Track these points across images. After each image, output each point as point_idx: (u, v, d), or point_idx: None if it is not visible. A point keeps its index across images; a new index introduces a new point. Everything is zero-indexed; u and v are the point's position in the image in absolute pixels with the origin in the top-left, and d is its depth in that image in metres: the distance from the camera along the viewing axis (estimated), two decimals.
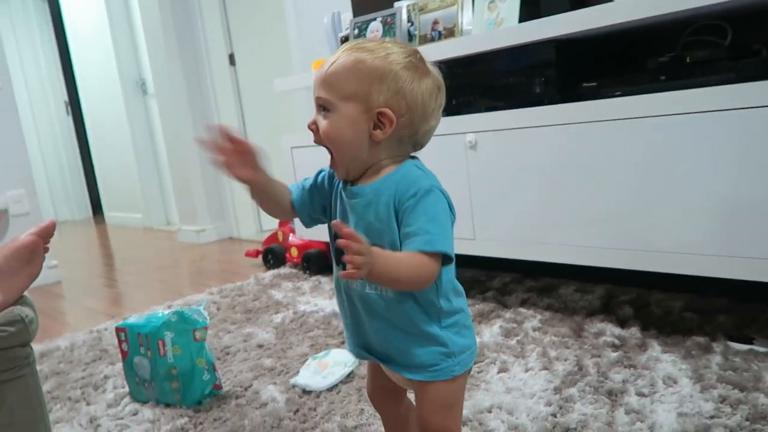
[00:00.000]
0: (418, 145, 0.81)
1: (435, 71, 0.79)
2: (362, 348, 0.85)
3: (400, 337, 0.79)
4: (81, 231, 5.15)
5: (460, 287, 0.82)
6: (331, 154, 0.78)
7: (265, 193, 0.83)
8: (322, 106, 0.77)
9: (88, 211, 5.88)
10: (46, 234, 1.00)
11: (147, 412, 1.34)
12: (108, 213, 5.33)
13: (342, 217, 0.82)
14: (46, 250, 1.02)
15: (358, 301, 0.81)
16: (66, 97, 5.66)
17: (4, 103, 2.87)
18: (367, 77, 0.74)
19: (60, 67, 5.60)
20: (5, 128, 2.87)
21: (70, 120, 5.71)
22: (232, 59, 3.54)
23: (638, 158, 1.34)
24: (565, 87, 1.55)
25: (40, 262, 1.00)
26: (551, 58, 1.56)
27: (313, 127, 0.78)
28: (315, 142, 0.79)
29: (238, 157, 0.77)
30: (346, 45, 0.78)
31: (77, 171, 5.81)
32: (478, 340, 1.47)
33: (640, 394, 1.12)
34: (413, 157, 0.81)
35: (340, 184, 0.82)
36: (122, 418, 1.33)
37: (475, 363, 1.32)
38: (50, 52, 5.59)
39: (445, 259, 0.74)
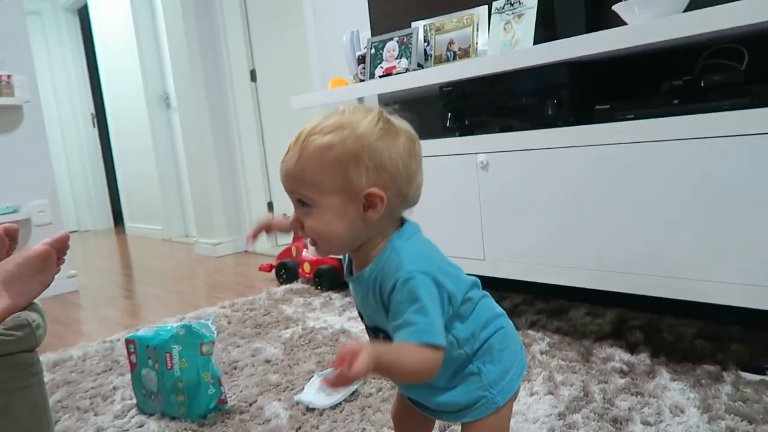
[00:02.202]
0: (410, 205, 0.77)
1: (404, 125, 0.75)
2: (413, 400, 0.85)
3: (437, 392, 0.78)
4: (102, 241, 5.24)
5: (486, 315, 0.78)
6: (312, 240, 0.75)
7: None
8: (301, 201, 0.73)
9: (110, 221, 5.99)
10: (60, 245, 1.02)
11: (152, 424, 1.35)
12: (129, 224, 5.42)
13: (354, 296, 0.82)
14: (62, 261, 1.05)
15: None
16: (93, 110, 5.80)
17: (31, 115, 2.95)
18: (342, 163, 0.69)
19: (88, 80, 5.76)
20: (32, 140, 2.94)
21: (95, 132, 5.85)
22: (253, 75, 3.59)
23: (651, 182, 1.32)
24: (579, 109, 1.54)
25: (52, 272, 1.02)
26: (565, 79, 1.56)
27: (297, 224, 0.74)
28: (302, 236, 0.76)
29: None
30: (306, 129, 0.73)
31: (101, 182, 5.94)
32: None
33: (646, 423, 1.10)
34: (400, 225, 0.78)
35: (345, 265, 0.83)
36: (128, 430, 1.34)
37: None
38: (79, 66, 5.75)
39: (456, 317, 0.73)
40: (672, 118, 1.29)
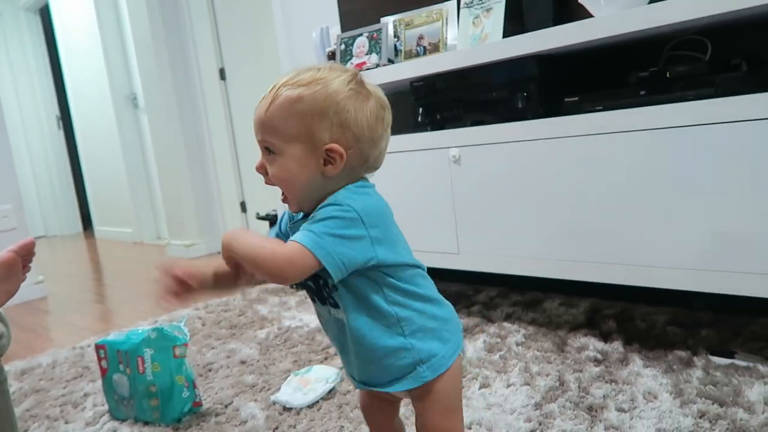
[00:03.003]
0: (372, 168, 0.80)
1: (377, 91, 0.78)
2: (351, 375, 0.85)
3: (369, 355, 0.78)
4: (70, 246, 5.12)
5: (430, 293, 0.80)
6: (282, 192, 0.78)
7: (240, 278, 0.80)
8: (267, 149, 0.75)
9: (78, 225, 5.86)
10: (25, 252, 0.99)
11: (125, 430, 1.32)
12: (98, 227, 5.31)
13: None
14: (28, 269, 1.01)
15: (333, 327, 0.82)
16: (57, 112, 5.66)
17: None
18: (308, 115, 0.72)
19: (52, 81, 5.62)
20: None
21: (61, 134, 5.71)
22: (222, 74, 3.55)
23: (621, 172, 1.34)
24: (548, 101, 1.56)
25: (18, 280, 0.99)
26: (534, 72, 1.57)
27: (262, 170, 0.77)
28: (266, 183, 0.78)
29: (182, 286, 0.77)
30: (282, 80, 0.75)
31: (68, 185, 5.80)
32: None
33: (620, 410, 1.11)
34: (364, 179, 0.80)
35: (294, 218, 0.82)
36: None
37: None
38: (42, 67, 5.61)
39: (385, 265, 0.74)
40: (639, 108, 1.30)
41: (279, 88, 0.74)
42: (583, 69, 1.67)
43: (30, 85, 5.62)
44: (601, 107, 1.43)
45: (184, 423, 1.32)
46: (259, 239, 0.73)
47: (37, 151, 5.71)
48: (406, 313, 0.77)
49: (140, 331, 1.37)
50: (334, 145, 0.73)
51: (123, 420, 1.37)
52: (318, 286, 0.80)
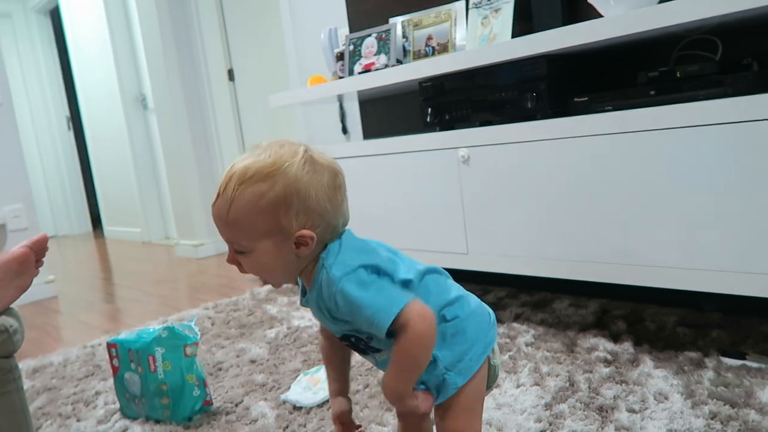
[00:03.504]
0: (341, 227, 0.80)
1: (327, 161, 0.78)
2: None
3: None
4: (80, 245, 5.15)
5: (448, 294, 0.80)
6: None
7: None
8: (236, 249, 0.76)
9: (88, 225, 5.90)
10: (38, 247, 1.00)
11: (137, 428, 1.33)
12: (107, 227, 5.34)
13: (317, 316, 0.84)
14: (40, 264, 1.03)
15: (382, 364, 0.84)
16: (68, 112, 5.70)
17: (4, 118, 2.89)
18: (273, 211, 0.73)
19: (62, 82, 5.66)
20: (5, 144, 2.89)
21: (71, 135, 5.75)
22: (231, 75, 3.56)
23: (631, 172, 1.34)
24: (557, 102, 1.56)
25: (30, 275, 1.00)
26: (543, 72, 1.57)
27: (234, 263, 0.78)
28: (241, 272, 0.80)
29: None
30: (234, 175, 0.74)
31: (77, 185, 5.84)
32: None
33: (631, 411, 1.11)
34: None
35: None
36: None
37: None
38: (52, 68, 5.65)
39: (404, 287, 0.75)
40: (649, 108, 1.30)
41: (236, 188, 0.73)
42: (592, 69, 1.67)
43: (40, 87, 5.67)
44: (610, 107, 1.43)
45: (195, 421, 1.33)
46: (397, 363, 0.74)
47: (47, 152, 5.76)
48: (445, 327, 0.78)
49: (151, 330, 1.38)
50: (305, 231, 0.74)
51: (134, 418, 1.38)
52: (353, 343, 0.82)
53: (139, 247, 4.53)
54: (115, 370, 1.41)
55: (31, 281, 0.99)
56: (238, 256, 0.77)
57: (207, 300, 2.41)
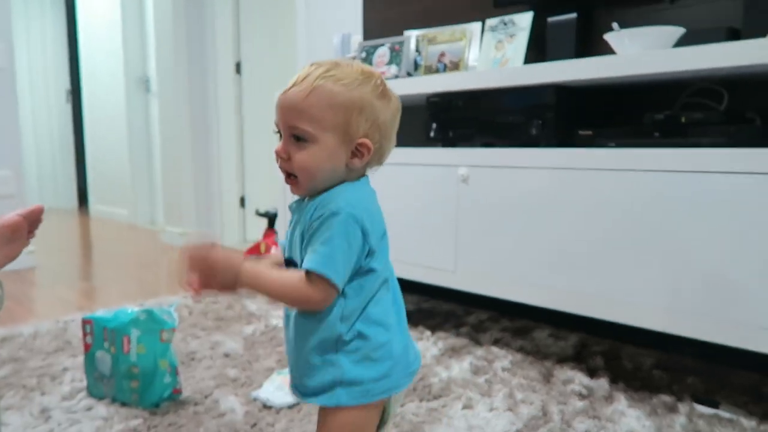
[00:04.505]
0: (379, 163, 0.83)
1: (395, 94, 0.81)
2: (293, 386, 0.83)
3: (303, 358, 0.78)
4: (64, 220, 5.09)
5: (381, 316, 0.78)
6: (292, 175, 0.77)
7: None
8: (297, 136, 0.75)
9: (74, 201, 5.83)
10: (32, 218, 0.98)
11: (101, 408, 1.31)
12: (93, 205, 5.28)
13: (288, 234, 0.83)
14: (33, 235, 1.00)
15: (287, 324, 0.82)
16: (68, 85, 5.66)
17: (4, 83, 2.86)
18: (348, 109, 0.75)
19: (67, 54, 5.62)
20: (2, 107, 2.85)
21: (68, 108, 5.70)
22: (238, 68, 3.56)
23: (624, 210, 1.34)
24: (562, 132, 1.57)
25: (21, 245, 0.97)
26: (551, 101, 1.58)
27: (283, 154, 0.77)
28: (281, 167, 0.78)
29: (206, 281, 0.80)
30: (316, 71, 0.76)
31: (68, 159, 5.78)
32: (445, 374, 1.46)
33: None
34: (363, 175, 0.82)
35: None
36: (75, 412, 1.29)
37: (440, 397, 1.32)
38: (59, 40, 5.61)
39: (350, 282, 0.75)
40: (651, 149, 1.31)
41: (317, 78, 0.75)
42: (599, 104, 1.69)
43: (43, 56, 5.62)
44: (614, 144, 1.44)
45: (162, 408, 1.30)
46: (276, 277, 0.75)
47: (42, 122, 5.70)
48: (351, 333, 0.76)
49: (129, 311, 1.36)
50: (366, 140, 0.76)
51: (100, 398, 1.36)
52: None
53: (124, 228, 4.48)
54: (86, 347, 1.38)
55: (20, 251, 0.96)
56: (292, 145, 0.76)
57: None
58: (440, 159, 1.71)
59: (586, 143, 1.49)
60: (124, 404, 1.32)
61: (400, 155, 1.82)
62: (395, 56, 2.03)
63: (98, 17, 4.81)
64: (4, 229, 0.93)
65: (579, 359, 1.56)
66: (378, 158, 0.81)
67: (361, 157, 0.77)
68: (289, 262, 0.80)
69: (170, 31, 3.53)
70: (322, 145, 0.75)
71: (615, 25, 1.49)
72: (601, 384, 1.39)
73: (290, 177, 0.78)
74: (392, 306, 0.80)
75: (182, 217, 3.67)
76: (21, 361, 1.59)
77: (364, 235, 0.74)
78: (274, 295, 0.75)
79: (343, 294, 0.75)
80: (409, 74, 2.01)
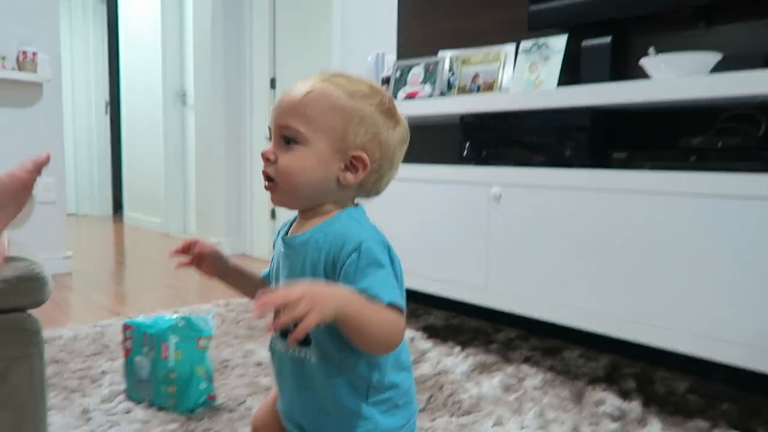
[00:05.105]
0: (375, 193, 0.76)
1: (404, 119, 0.76)
2: (293, 424, 0.76)
3: (323, 412, 0.71)
4: (99, 227, 5.22)
5: (407, 360, 0.76)
6: (273, 181, 0.71)
7: (232, 280, 0.84)
8: (287, 138, 0.70)
9: (109, 208, 5.98)
10: (40, 170, 0.94)
11: (140, 412, 1.35)
12: (128, 213, 5.41)
13: (277, 269, 0.76)
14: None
15: (287, 367, 0.74)
16: (107, 97, 5.83)
17: (50, 95, 2.98)
18: (347, 115, 0.69)
19: (107, 67, 5.80)
20: (48, 119, 2.96)
21: (107, 119, 5.87)
22: (273, 83, 3.64)
23: (659, 232, 1.35)
24: (596, 153, 1.58)
25: (27, 196, 0.93)
26: (585, 123, 1.60)
27: (270, 156, 0.70)
28: (264, 173, 0.71)
29: (199, 259, 0.80)
30: (321, 75, 0.72)
31: (105, 168, 5.94)
32: (475, 390, 1.47)
33: None
34: (355, 205, 0.76)
35: (280, 233, 0.78)
36: (114, 414, 1.33)
37: (470, 413, 1.33)
38: (100, 52, 5.81)
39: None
40: (686, 173, 1.32)
41: (321, 81, 0.71)
42: (633, 126, 1.69)
43: (86, 68, 5.82)
44: (649, 166, 1.45)
45: (197, 414, 1.34)
46: (366, 306, 0.64)
47: (81, 132, 5.87)
48: (380, 380, 0.71)
49: (168, 317, 1.40)
50: (362, 154, 0.70)
51: (138, 402, 1.40)
52: None
53: (157, 236, 4.58)
54: (126, 351, 1.43)
55: (21, 209, 0.92)
56: (281, 148, 0.70)
57: (218, 298, 2.43)
58: (473, 177, 1.73)
59: (620, 165, 1.50)
60: (161, 408, 1.36)
61: (433, 172, 1.84)
62: (429, 76, 2.07)
63: (139, 31, 4.97)
64: (15, 184, 0.91)
65: (610, 381, 1.55)
66: (376, 180, 0.73)
67: (355, 172, 0.70)
68: None
69: (208, 46, 3.64)
70: (312, 149, 0.69)
71: (651, 50, 1.51)
72: (634, 407, 1.38)
73: (272, 182, 0.71)
74: (406, 341, 0.75)
75: (213, 227, 3.75)
76: (62, 363, 1.64)
77: (392, 263, 0.69)
78: (373, 322, 0.63)
79: None
80: (442, 94, 2.04)
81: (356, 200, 0.76)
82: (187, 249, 0.81)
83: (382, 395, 0.71)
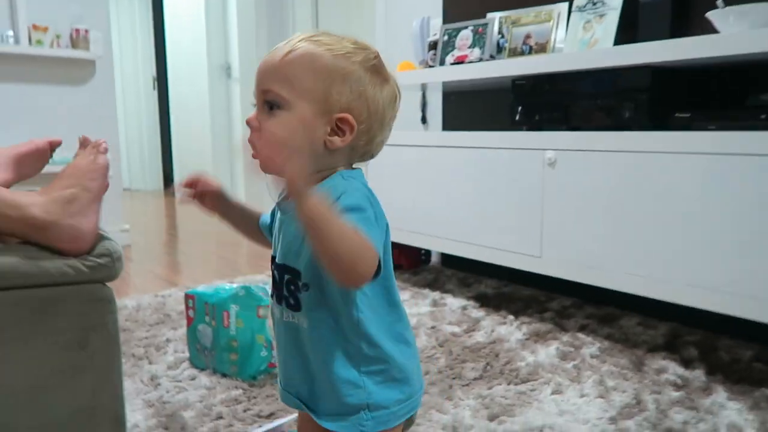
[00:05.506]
0: (369, 155, 0.72)
1: (394, 76, 0.71)
2: (289, 391, 0.75)
3: (317, 377, 0.70)
4: (151, 201, 5.38)
5: (405, 333, 0.72)
6: (257, 151, 0.68)
7: (233, 219, 0.86)
8: (270, 102, 0.67)
9: (160, 182, 6.15)
10: (54, 146, 1.11)
11: (204, 378, 1.40)
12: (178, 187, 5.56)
13: (276, 234, 0.75)
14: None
15: (283, 334, 0.73)
16: (154, 72, 5.94)
17: (103, 71, 3.04)
18: (329, 74, 0.65)
19: (153, 43, 5.89)
20: (101, 95, 3.04)
21: (155, 94, 5.99)
22: None
23: (724, 195, 1.29)
24: (656, 115, 1.51)
25: (42, 164, 1.10)
26: (644, 83, 1.53)
27: (254, 123, 0.68)
28: (249, 141, 0.69)
29: (202, 195, 0.82)
30: (302, 35, 0.68)
31: (155, 144, 6.09)
32: (531, 358, 1.46)
33: None
34: (353, 168, 0.72)
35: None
36: (180, 381, 1.39)
37: (528, 381, 1.32)
38: (146, 28, 5.89)
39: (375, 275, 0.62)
40: (757, 132, 1.25)
41: (301, 40, 0.67)
42: (697, 85, 1.61)
43: (133, 45, 5.92)
44: (714, 126, 1.38)
45: (259, 381, 1.38)
46: (336, 218, 0.59)
47: (131, 108, 6.02)
48: (372, 351, 0.68)
49: (228, 287, 1.44)
50: (347, 115, 0.66)
51: (202, 369, 1.45)
52: (281, 279, 0.71)
53: None
54: (189, 320, 1.48)
55: (41, 169, 1.09)
56: (264, 114, 0.67)
57: (268, 267, 2.48)
58: (526, 143, 1.69)
59: (683, 126, 1.44)
60: (224, 375, 1.40)
61: (483, 139, 1.81)
62: (478, 39, 2.01)
63: (183, 6, 5.01)
64: (34, 152, 1.07)
65: (671, 349, 1.52)
66: (367, 141, 0.69)
67: (342, 136, 0.66)
68: (282, 269, 0.71)
69: (252, 18, 3.64)
70: (295, 114, 0.65)
71: (720, 2, 1.42)
72: (697, 375, 1.35)
73: (258, 153, 0.68)
74: (407, 320, 0.73)
75: (263, 198, 3.81)
76: (129, 332, 1.71)
77: (373, 210, 0.64)
78: (342, 233, 0.58)
79: (363, 293, 0.67)
80: (492, 57, 1.99)
81: (354, 165, 0.72)
82: (192, 184, 0.83)
83: (375, 366, 0.68)
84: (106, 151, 0.99)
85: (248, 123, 0.68)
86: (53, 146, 1.14)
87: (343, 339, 0.68)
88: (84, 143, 1.04)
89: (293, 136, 0.65)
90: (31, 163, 1.10)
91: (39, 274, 0.83)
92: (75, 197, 0.86)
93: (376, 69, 0.68)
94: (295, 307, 0.69)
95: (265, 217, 0.83)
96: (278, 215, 0.74)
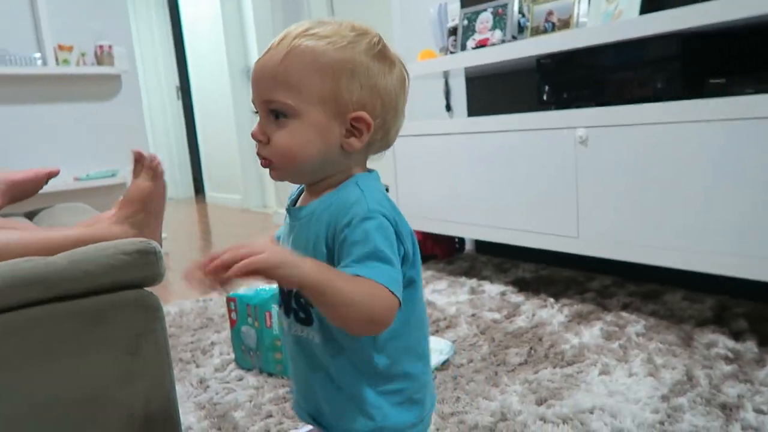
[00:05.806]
0: (385, 147, 0.68)
1: (400, 59, 0.66)
2: (303, 409, 0.71)
3: (329, 394, 0.66)
4: (184, 208, 5.48)
5: (423, 348, 0.68)
6: (268, 160, 0.63)
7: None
8: (276, 112, 0.61)
9: (191, 190, 6.25)
10: (51, 176, 1.28)
11: (251, 379, 1.42)
12: (209, 193, 5.64)
13: (285, 241, 0.70)
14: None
15: (293, 349, 0.69)
16: (177, 82, 6.03)
17: (129, 85, 3.11)
18: (336, 71, 0.60)
19: (173, 53, 5.98)
20: (128, 109, 3.10)
21: (179, 104, 6.08)
22: None
23: (766, 161, 1.25)
24: (689, 83, 1.47)
25: (35, 191, 1.28)
26: (674, 51, 1.49)
27: (263, 138, 0.62)
28: (259, 154, 0.63)
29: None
30: (295, 30, 0.62)
31: (183, 153, 6.19)
32: (576, 340, 1.44)
33: (759, 411, 1.05)
34: (369, 170, 0.68)
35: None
36: (228, 382, 1.41)
37: (574, 363, 1.31)
38: (165, 40, 5.98)
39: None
40: None
41: (296, 38, 0.61)
42: (731, 49, 1.56)
43: (153, 57, 6.02)
44: (752, 90, 1.33)
45: None
46: (339, 276, 0.56)
47: (157, 120, 6.13)
48: (388, 367, 0.64)
49: (267, 288, 1.46)
50: (362, 113, 0.61)
51: (249, 369, 1.47)
52: (289, 291, 0.67)
53: (238, 213, 4.76)
54: (232, 323, 1.50)
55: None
56: (271, 125, 0.62)
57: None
58: (555, 122, 1.66)
59: (718, 93, 1.39)
60: (270, 375, 1.42)
61: (511, 122, 1.79)
62: (499, 21, 1.99)
63: (200, 15, 5.07)
64: (32, 179, 1.24)
65: (720, 322, 1.48)
66: (383, 134, 0.65)
67: (359, 136, 0.62)
68: None
69: (269, 17, 3.66)
70: (306, 122, 0.60)
71: None
72: (749, 347, 1.31)
73: (264, 158, 0.63)
74: (427, 327, 0.69)
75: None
76: (174, 337, 1.75)
77: (399, 238, 0.60)
78: (346, 296, 0.55)
79: None
80: (514, 38, 1.96)
81: (369, 157, 0.69)
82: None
83: (393, 385, 0.64)
84: (163, 174, 1.09)
85: (254, 137, 0.63)
86: (50, 176, 1.28)
87: (355, 354, 0.63)
88: (139, 158, 1.09)
89: (308, 146, 0.61)
90: (26, 190, 1.25)
91: (84, 277, 0.84)
92: (144, 223, 1.04)
93: (382, 54, 0.63)
94: (306, 321, 0.65)
95: (278, 233, 0.76)
96: (287, 221, 0.70)
